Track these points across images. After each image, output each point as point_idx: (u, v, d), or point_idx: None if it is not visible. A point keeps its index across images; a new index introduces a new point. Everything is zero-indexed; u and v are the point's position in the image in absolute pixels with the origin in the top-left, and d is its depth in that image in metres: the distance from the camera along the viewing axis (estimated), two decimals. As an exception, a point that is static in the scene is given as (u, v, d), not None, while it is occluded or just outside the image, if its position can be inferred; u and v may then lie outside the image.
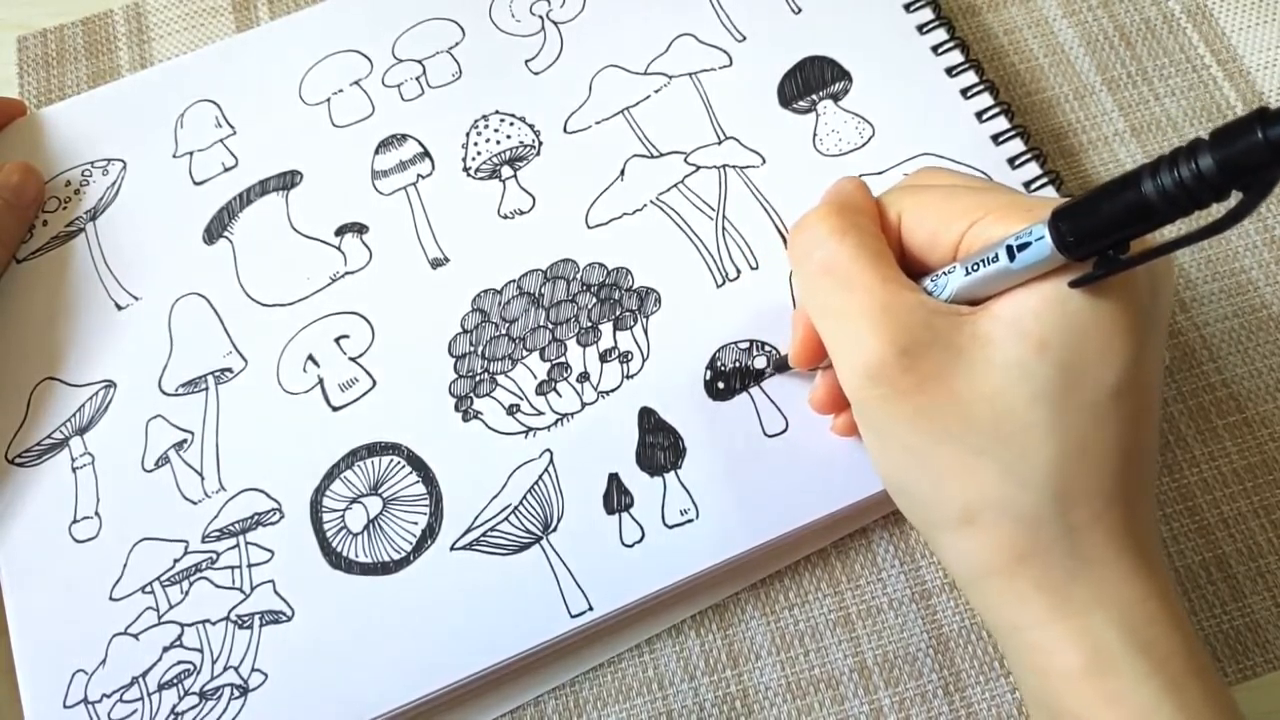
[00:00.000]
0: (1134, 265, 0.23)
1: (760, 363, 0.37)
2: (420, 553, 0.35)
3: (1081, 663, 0.25)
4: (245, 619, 0.35)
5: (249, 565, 0.35)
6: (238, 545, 0.36)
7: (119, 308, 0.40)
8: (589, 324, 0.38)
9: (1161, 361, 0.27)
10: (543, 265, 0.39)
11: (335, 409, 0.37)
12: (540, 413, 0.37)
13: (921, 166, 0.37)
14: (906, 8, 0.42)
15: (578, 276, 0.39)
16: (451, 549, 0.35)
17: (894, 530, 0.36)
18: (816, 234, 0.28)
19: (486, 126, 0.42)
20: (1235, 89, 0.42)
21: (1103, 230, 0.23)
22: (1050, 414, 0.25)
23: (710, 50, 0.42)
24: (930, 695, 0.34)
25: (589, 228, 0.39)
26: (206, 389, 0.38)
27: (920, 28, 0.41)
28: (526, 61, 0.43)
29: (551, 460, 0.36)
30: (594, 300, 0.38)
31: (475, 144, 0.41)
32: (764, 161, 0.40)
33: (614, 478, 0.35)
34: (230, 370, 0.38)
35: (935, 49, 0.41)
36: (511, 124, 0.42)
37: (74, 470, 0.37)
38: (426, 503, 0.36)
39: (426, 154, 0.41)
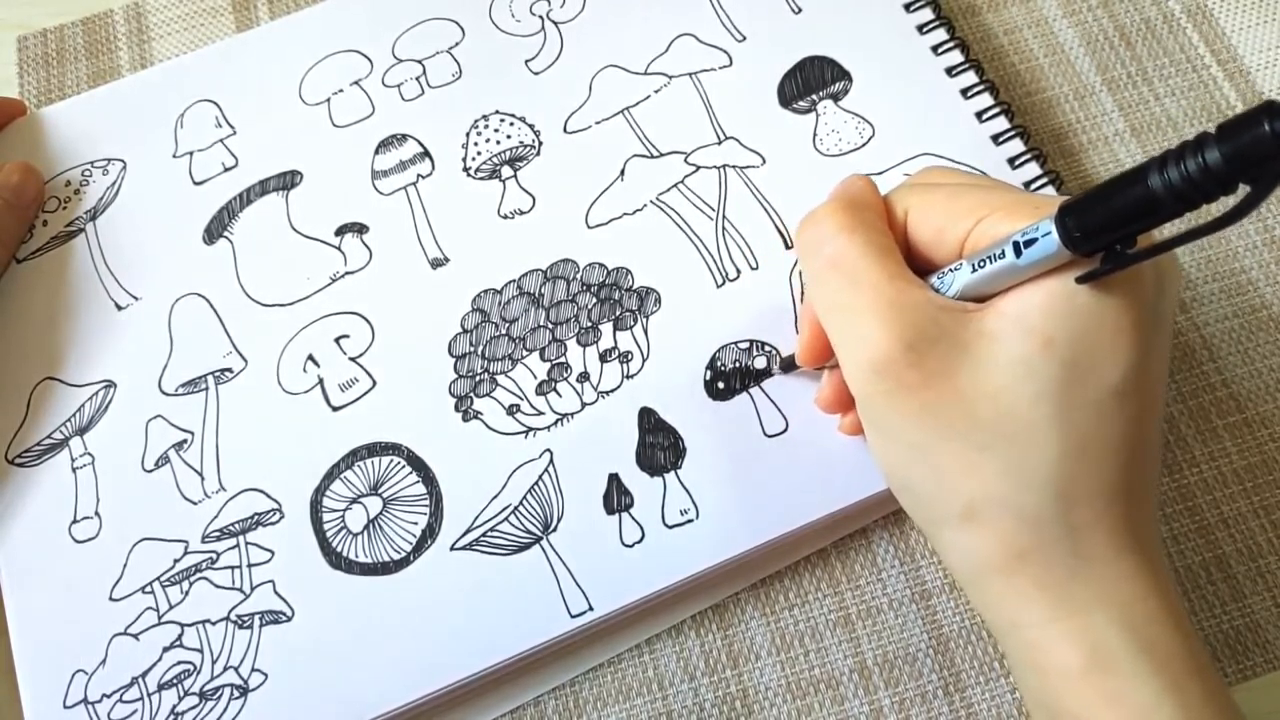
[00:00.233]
0: (1141, 260, 0.23)
1: (760, 363, 0.37)
2: (420, 553, 0.35)
3: (1081, 662, 0.25)
4: (245, 619, 0.35)
5: (249, 565, 0.35)
6: (238, 545, 0.36)
7: (119, 308, 0.40)
8: (589, 324, 0.38)
9: (1166, 360, 0.27)
10: (543, 265, 0.39)
11: (335, 409, 0.37)
12: (540, 413, 0.37)
13: (927, 165, 0.37)
14: (906, 8, 0.42)
15: (578, 276, 0.39)
16: (451, 549, 0.35)
17: (894, 530, 0.36)
18: (824, 230, 0.28)
19: (486, 126, 0.42)
20: (1235, 89, 0.42)
21: (1109, 225, 0.23)
22: (1054, 411, 0.25)
23: (710, 50, 0.42)
24: (930, 695, 0.34)
25: (589, 228, 0.39)
26: (206, 389, 0.38)
27: (920, 28, 0.41)
28: (526, 61, 0.43)
29: (551, 460, 0.36)
30: (594, 300, 0.38)
31: (475, 144, 0.41)
32: (764, 161, 0.40)
33: (614, 478, 0.35)
34: (230, 370, 0.38)
35: (935, 49, 0.41)
36: (511, 124, 0.42)
37: (74, 470, 0.37)
38: (426, 503, 0.36)
39: (426, 154, 0.41)
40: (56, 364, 0.39)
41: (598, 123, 0.41)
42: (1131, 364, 0.25)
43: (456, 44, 0.43)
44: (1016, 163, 0.39)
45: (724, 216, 0.39)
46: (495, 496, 0.35)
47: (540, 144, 0.41)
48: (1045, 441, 0.25)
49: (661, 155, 0.40)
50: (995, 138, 0.39)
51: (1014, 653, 0.28)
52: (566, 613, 0.34)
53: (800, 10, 0.43)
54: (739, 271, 0.38)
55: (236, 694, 0.34)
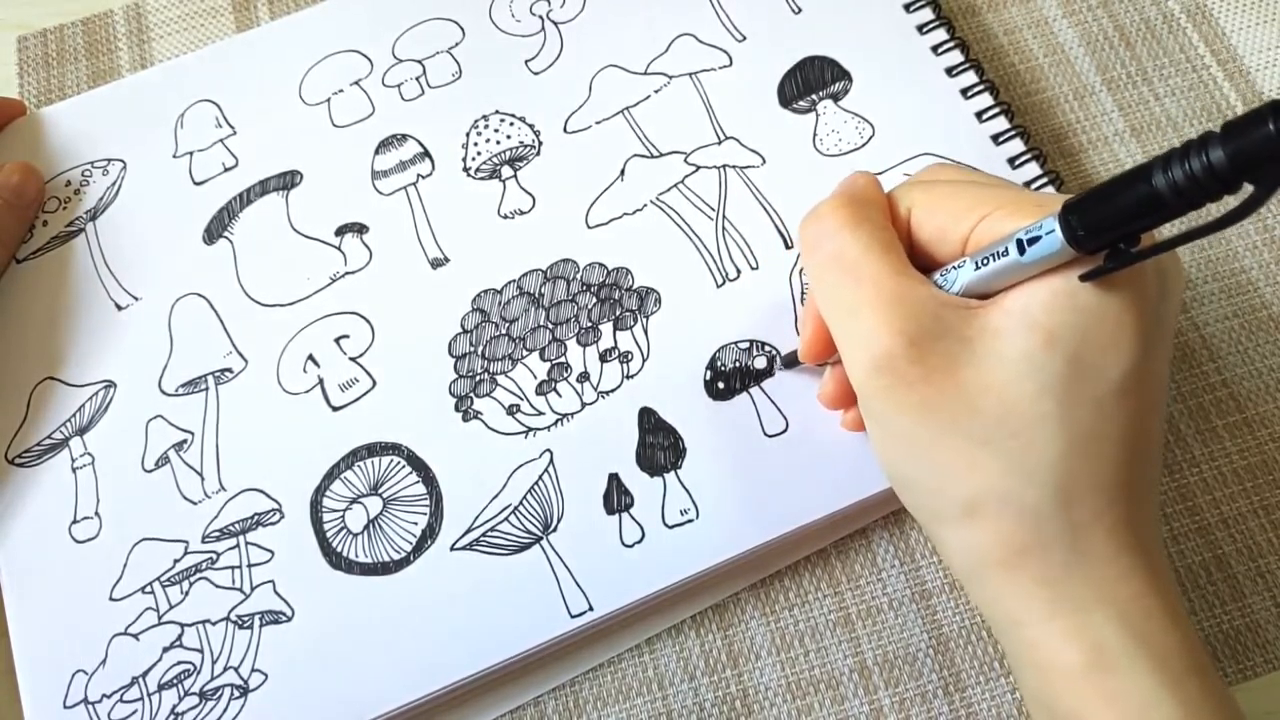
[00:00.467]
0: (1144, 258, 0.23)
1: (760, 363, 0.37)
2: (420, 553, 0.35)
3: (1081, 660, 0.25)
4: (245, 619, 0.35)
5: (249, 565, 0.35)
6: (238, 545, 0.36)
7: (119, 308, 0.40)
8: (589, 324, 0.38)
9: (1168, 361, 0.27)
10: (543, 265, 0.39)
11: (335, 409, 0.37)
12: (540, 413, 0.37)
13: (933, 163, 0.37)
14: (906, 8, 0.42)
15: (578, 276, 0.39)
16: (451, 549, 0.35)
17: (894, 530, 0.36)
18: (828, 225, 0.29)
19: (486, 126, 0.42)
20: (1235, 89, 0.42)
21: (1113, 223, 0.23)
22: (1056, 408, 0.25)
23: (710, 50, 0.42)
24: (930, 695, 0.34)
25: (589, 228, 0.39)
26: (206, 389, 0.38)
27: (920, 28, 0.41)
28: (526, 61, 0.43)
29: (551, 460, 0.36)
30: (594, 300, 0.38)
31: (475, 144, 0.41)
32: (764, 161, 0.40)
33: (614, 478, 0.35)
34: (230, 370, 0.38)
35: (935, 49, 0.41)
36: (511, 124, 0.42)
37: (74, 470, 0.37)
38: (426, 503, 0.36)
39: (426, 154, 0.41)
40: (56, 364, 0.39)
41: (598, 123, 0.41)
42: (1133, 362, 0.25)
43: (456, 44, 0.43)
44: (1016, 163, 0.39)
45: (724, 216, 0.39)
46: (495, 496, 0.35)
47: (540, 144, 0.41)
48: (1047, 437, 0.25)
49: (661, 155, 0.40)
50: (995, 138, 0.39)
51: (1013, 650, 0.28)
52: (566, 613, 0.34)
53: (800, 10, 0.43)
54: (739, 271, 0.38)
55: (236, 694, 0.34)
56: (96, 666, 0.34)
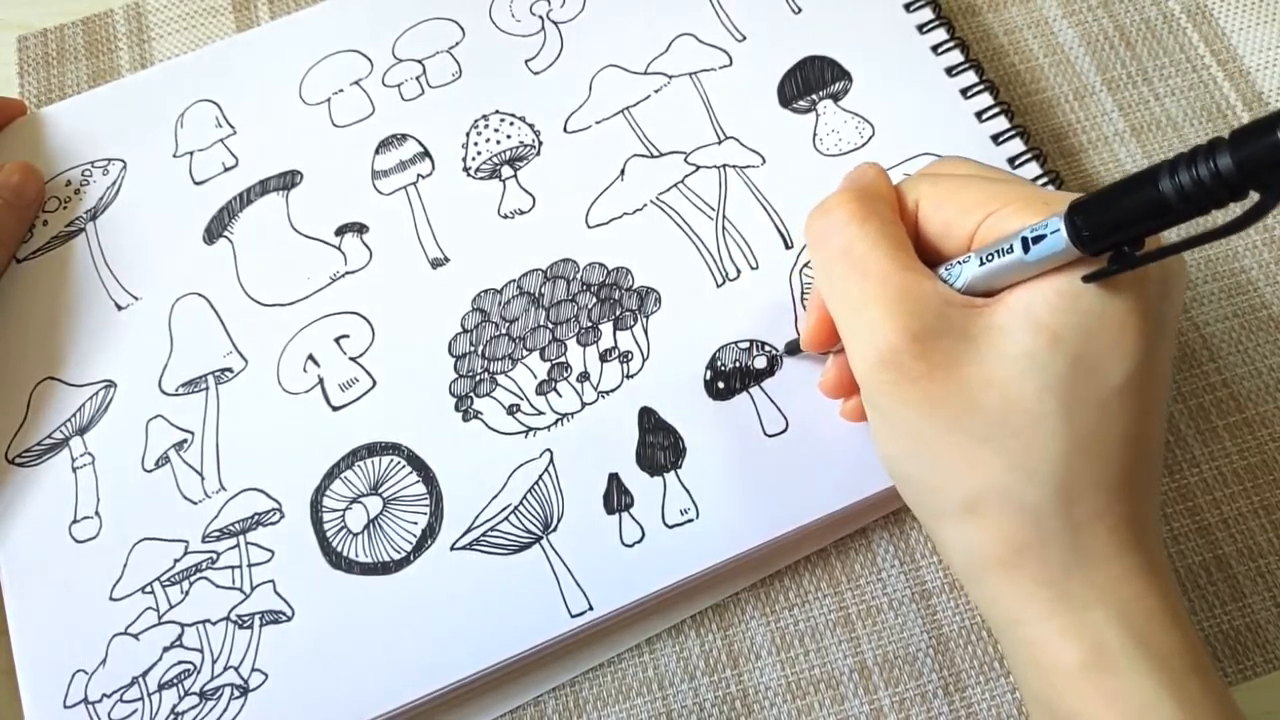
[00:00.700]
0: (1148, 262, 0.23)
1: (760, 362, 0.37)
2: (420, 553, 0.35)
3: (1080, 659, 0.25)
4: (245, 619, 0.35)
5: (249, 565, 0.35)
6: (238, 545, 0.36)
7: (119, 308, 0.40)
8: (589, 324, 0.38)
9: (1170, 362, 0.27)
10: (543, 265, 0.39)
11: (335, 409, 0.37)
12: (540, 412, 0.37)
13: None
14: (906, 8, 0.42)
15: (578, 276, 0.39)
16: (451, 549, 0.35)
17: (894, 530, 0.36)
18: (836, 219, 0.28)
19: (486, 126, 0.42)
20: (1235, 89, 0.42)
21: (1118, 226, 0.23)
22: (1059, 407, 0.25)
23: (710, 50, 0.42)
24: (930, 695, 0.34)
25: (589, 227, 0.39)
26: (206, 389, 0.38)
27: (920, 27, 0.41)
28: (526, 61, 0.43)
29: (551, 460, 0.36)
30: (594, 300, 0.38)
31: (475, 144, 0.41)
32: (764, 161, 0.40)
33: (614, 477, 0.35)
34: (230, 370, 0.38)
35: (935, 49, 0.41)
36: (511, 124, 0.42)
37: (74, 470, 0.37)
38: (426, 502, 0.36)
39: (426, 154, 0.41)
40: (56, 364, 0.39)
41: (598, 122, 0.41)
42: (1136, 364, 0.25)
43: (456, 44, 0.43)
44: (1016, 162, 0.39)
45: (724, 216, 0.39)
46: (495, 496, 0.35)
47: (540, 144, 0.41)
48: (1049, 436, 0.25)
49: (661, 155, 0.40)
50: (995, 137, 0.39)
51: (1013, 650, 0.28)
52: (566, 612, 0.34)
53: (800, 10, 0.43)
54: (739, 271, 0.38)
55: (236, 694, 0.34)
56: (96, 666, 0.34)
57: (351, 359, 0.38)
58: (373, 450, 0.37)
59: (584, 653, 0.35)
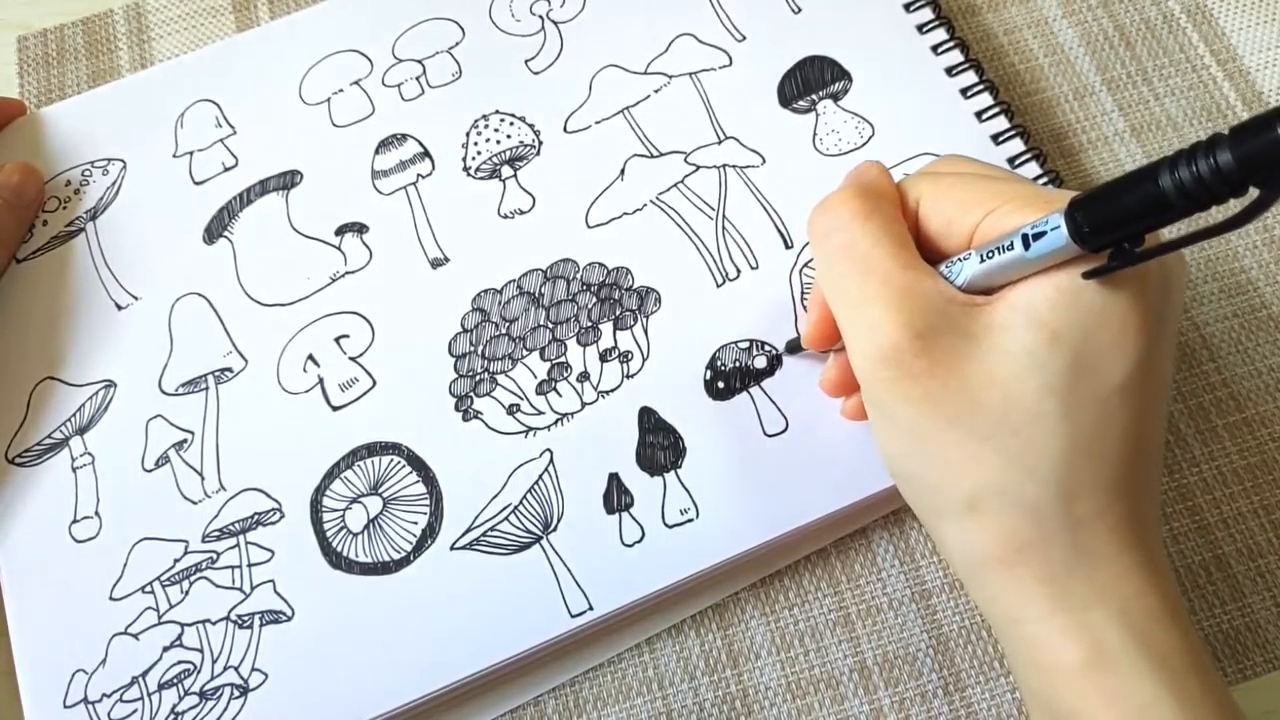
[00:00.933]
0: (1149, 258, 0.23)
1: (760, 362, 0.37)
2: (420, 552, 0.35)
3: (1081, 658, 0.25)
4: (245, 619, 0.35)
5: (249, 565, 0.35)
6: (238, 545, 0.36)
7: (119, 308, 0.40)
8: (589, 324, 0.38)
9: (1171, 360, 0.27)
10: (543, 265, 0.39)
11: (335, 409, 0.37)
12: (540, 412, 0.37)
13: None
14: (906, 7, 0.42)
15: (578, 276, 0.39)
16: (451, 549, 0.35)
17: (894, 530, 0.36)
18: (839, 216, 0.28)
19: (486, 126, 0.42)
20: (1235, 89, 0.42)
21: (1119, 222, 0.23)
22: (1060, 405, 0.25)
23: (710, 50, 0.42)
24: (930, 695, 0.34)
25: (589, 227, 0.39)
26: (206, 389, 0.38)
27: (920, 27, 0.41)
28: (526, 61, 0.43)
29: (551, 460, 0.36)
30: (594, 300, 0.38)
31: (475, 144, 0.41)
32: (764, 161, 0.40)
33: (614, 477, 0.35)
34: (230, 370, 0.38)
35: (935, 49, 0.41)
36: (511, 124, 0.42)
37: (74, 470, 0.37)
38: (426, 502, 0.36)
39: (426, 154, 0.41)
40: (56, 364, 0.39)
41: (598, 122, 0.41)
42: (1136, 362, 0.25)
43: (456, 44, 0.43)
44: (1016, 162, 0.39)
45: (724, 216, 0.39)
46: (495, 496, 0.35)
47: (540, 144, 0.41)
48: (1050, 433, 0.25)
49: (661, 155, 0.40)
50: (995, 137, 0.39)
51: (1013, 649, 0.27)
52: (566, 612, 0.34)
53: (800, 10, 0.43)
54: (739, 271, 0.38)
55: (236, 693, 0.34)
56: (96, 666, 0.34)
57: (351, 359, 0.38)
58: (373, 450, 0.37)
59: (584, 653, 0.35)
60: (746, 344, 0.37)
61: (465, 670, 0.33)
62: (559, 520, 0.35)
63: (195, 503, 0.36)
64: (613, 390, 0.37)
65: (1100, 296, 0.25)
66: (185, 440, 0.37)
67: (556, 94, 0.42)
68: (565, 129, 0.41)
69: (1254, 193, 0.21)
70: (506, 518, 0.35)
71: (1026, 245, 0.25)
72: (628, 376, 0.37)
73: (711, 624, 0.36)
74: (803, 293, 0.38)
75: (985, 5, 0.45)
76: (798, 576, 0.36)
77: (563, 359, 0.37)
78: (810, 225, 0.30)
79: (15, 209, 0.41)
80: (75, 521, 0.36)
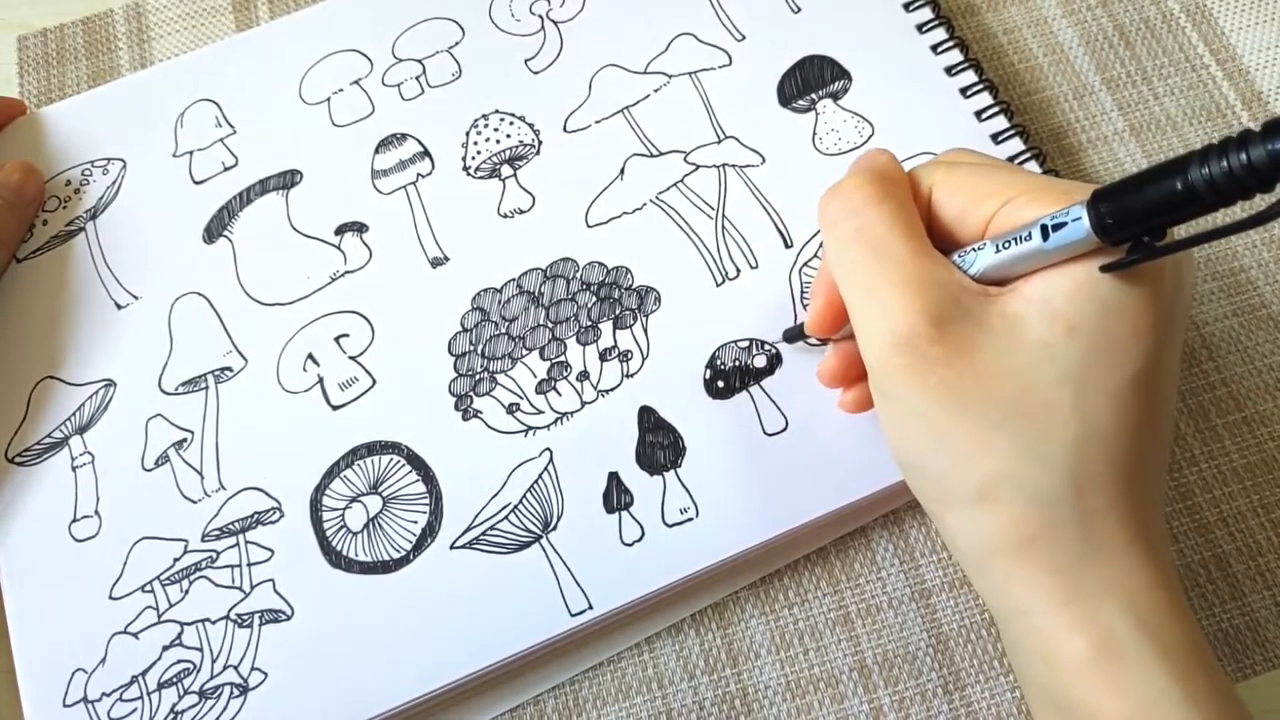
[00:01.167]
0: (1169, 253, 0.23)
1: (760, 361, 0.37)
2: (420, 551, 0.35)
3: (1089, 650, 0.25)
4: (245, 618, 0.35)
5: (249, 564, 0.35)
6: (237, 544, 0.36)
7: (119, 307, 0.40)
8: (589, 323, 0.38)
9: (1179, 355, 0.27)
10: (542, 264, 0.39)
11: (335, 408, 0.37)
12: (540, 411, 0.37)
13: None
14: (906, 7, 0.42)
15: (577, 275, 0.39)
16: (451, 548, 0.35)
17: (894, 529, 0.36)
18: (851, 201, 0.28)
19: (486, 125, 0.42)
20: (1235, 89, 0.42)
21: (1143, 215, 0.23)
22: (1074, 396, 0.25)
23: (710, 49, 0.42)
24: (930, 694, 0.34)
25: (589, 227, 0.39)
26: (206, 388, 0.38)
27: (920, 27, 0.41)
28: (526, 61, 0.43)
29: (551, 459, 0.36)
30: (594, 299, 0.38)
31: (475, 143, 0.41)
32: (764, 161, 0.40)
33: (614, 476, 0.35)
34: (230, 369, 0.38)
35: (934, 48, 0.41)
36: (511, 123, 0.42)
37: (74, 469, 0.37)
38: (426, 501, 0.36)
39: (426, 153, 0.41)
40: (56, 363, 0.39)
41: (597, 122, 0.41)
42: (1149, 356, 0.25)
43: (456, 43, 0.44)
44: (1015, 162, 0.39)
45: (723, 215, 0.39)
46: (495, 495, 0.35)
47: (540, 143, 0.41)
48: (1064, 424, 0.25)
49: (661, 154, 0.40)
50: (994, 136, 0.39)
51: (1017, 641, 0.27)
52: (566, 611, 0.34)
53: (800, 9, 0.43)
54: (739, 270, 0.38)
55: (236, 693, 0.34)
56: (96, 665, 0.34)
57: (351, 358, 0.38)
58: (372, 449, 0.37)
59: (584, 652, 0.35)
60: (746, 343, 0.37)
61: (465, 669, 0.33)
62: (559, 519, 0.35)
63: (195, 502, 0.36)
64: (612, 389, 0.37)
65: (1117, 290, 0.25)
66: (185, 439, 0.37)
67: (556, 93, 0.42)
68: (565, 128, 0.41)
69: None
70: (506, 517, 0.35)
71: (1045, 236, 0.25)
72: (627, 376, 0.37)
73: (711, 623, 0.36)
74: (802, 292, 0.38)
75: (985, 5, 0.45)
76: (797, 576, 0.36)
77: (562, 358, 0.37)
78: (821, 210, 0.29)
79: (15, 208, 0.41)
80: (75, 521, 0.36)
